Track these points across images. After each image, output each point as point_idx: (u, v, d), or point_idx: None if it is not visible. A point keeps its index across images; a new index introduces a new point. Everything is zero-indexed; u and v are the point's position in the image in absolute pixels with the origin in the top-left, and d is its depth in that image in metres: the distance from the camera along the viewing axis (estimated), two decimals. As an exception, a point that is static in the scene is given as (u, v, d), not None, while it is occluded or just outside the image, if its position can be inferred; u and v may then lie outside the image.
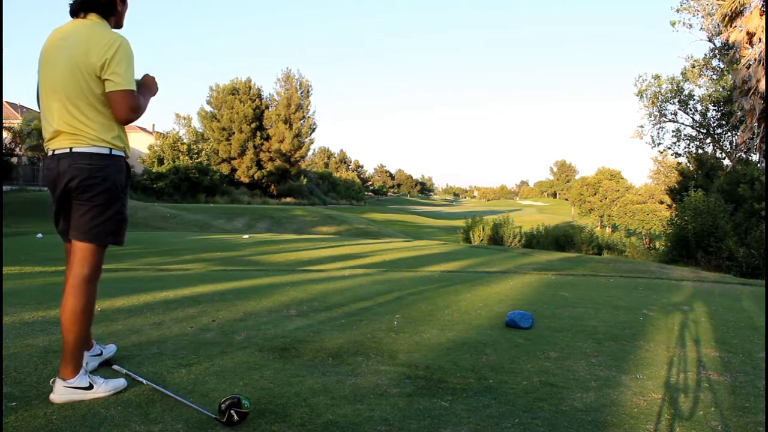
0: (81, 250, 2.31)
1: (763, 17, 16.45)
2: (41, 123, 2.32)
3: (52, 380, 2.23)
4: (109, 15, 2.31)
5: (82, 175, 2.20)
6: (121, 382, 2.32)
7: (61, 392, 2.18)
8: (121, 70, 2.17)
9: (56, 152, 2.24)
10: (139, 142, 53.16)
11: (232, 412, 1.95)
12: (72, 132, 2.21)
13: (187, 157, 43.51)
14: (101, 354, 2.64)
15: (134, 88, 2.22)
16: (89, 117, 2.21)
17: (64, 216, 2.33)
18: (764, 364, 2.96)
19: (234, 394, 2.04)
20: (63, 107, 2.21)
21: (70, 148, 2.21)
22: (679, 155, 32.13)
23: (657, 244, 22.77)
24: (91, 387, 2.22)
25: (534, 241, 21.11)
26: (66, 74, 2.19)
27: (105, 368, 2.54)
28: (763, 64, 16.63)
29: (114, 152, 2.27)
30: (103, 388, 2.24)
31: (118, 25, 2.38)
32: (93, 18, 2.26)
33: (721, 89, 27.83)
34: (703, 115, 30.51)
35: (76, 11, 2.28)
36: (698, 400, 2.38)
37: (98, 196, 2.24)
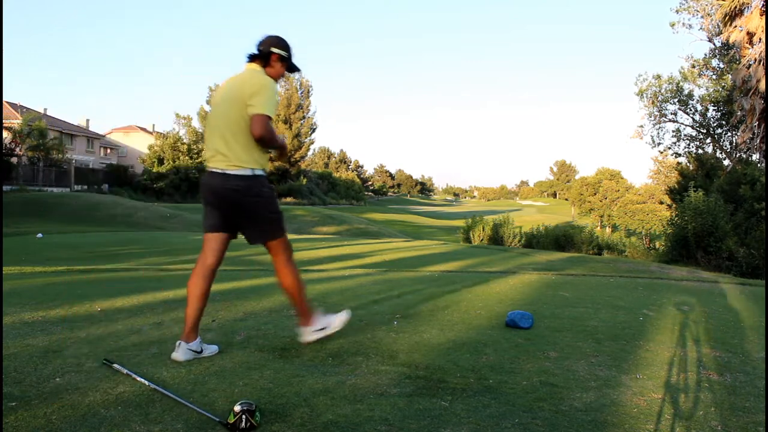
0: (271, 246, 2.96)
1: (763, 17, 16.45)
2: (206, 144, 2.90)
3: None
4: (266, 66, 2.93)
5: (236, 196, 2.78)
6: (343, 315, 3.19)
7: (309, 335, 3.04)
8: (262, 99, 2.73)
9: (214, 171, 2.81)
10: (140, 142, 53.17)
11: (244, 416, 1.91)
12: (225, 153, 2.77)
13: (187, 157, 43.47)
14: (201, 352, 2.88)
15: (271, 114, 2.75)
16: (239, 142, 2.77)
17: (224, 219, 2.88)
18: (764, 364, 2.96)
19: (252, 402, 2.00)
20: (223, 133, 2.80)
21: (224, 170, 2.78)
22: (679, 155, 32.14)
23: (657, 244, 22.75)
24: (326, 327, 3.09)
25: (534, 241, 21.09)
26: (227, 106, 2.81)
27: (106, 368, 2.54)
28: (763, 64, 16.63)
29: (256, 172, 2.81)
30: (337, 325, 3.12)
31: (273, 78, 2.93)
32: (254, 66, 2.91)
33: (721, 89, 27.83)
34: (703, 115, 30.51)
35: (248, 60, 2.95)
36: (698, 400, 2.38)
37: (255, 207, 2.83)
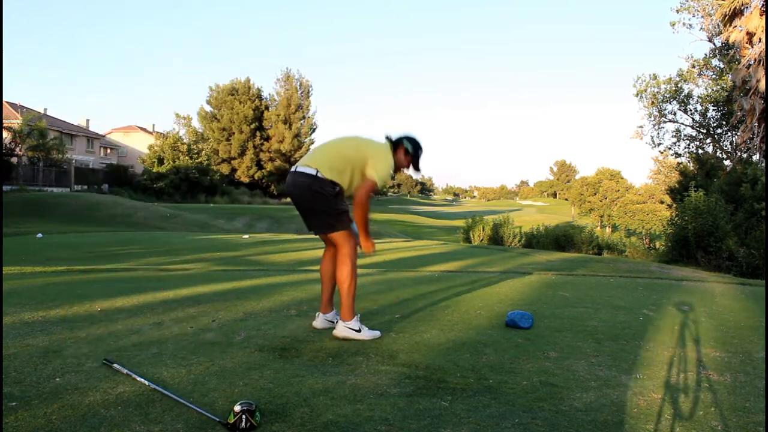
0: (333, 238, 3.29)
1: (763, 17, 16.46)
2: (312, 154, 3.35)
3: (336, 320, 3.32)
4: (394, 152, 3.37)
5: (299, 190, 3.24)
6: (377, 333, 3.26)
7: (341, 329, 3.19)
8: (380, 171, 3.21)
9: (291, 170, 3.29)
10: (140, 142, 53.18)
11: (244, 416, 1.91)
12: (310, 160, 3.25)
13: (187, 157, 43.48)
14: (336, 322, 3.33)
15: (378, 184, 3.20)
16: (326, 163, 3.21)
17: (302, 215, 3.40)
18: (764, 364, 2.96)
19: (252, 402, 2.00)
20: (324, 153, 3.30)
21: (296, 169, 3.26)
22: (680, 155, 32.14)
23: (657, 244, 22.74)
24: (359, 331, 3.19)
25: (534, 241, 21.07)
26: (345, 145, 3.34)
27: (106, 368, 2.54)
28: (763, 64, 16.63)
29: (319, 174, 3.17)
30: (368, 336, 3.20)
31: (397, 166, 3.40)
32: (388, 145, 3.36)
33: (720, 89, 27.83)
34: (703, 115, 30.51)
35: (385, 138, 3.41)
36: (698, 400, 2.38)
37: (314, 202, 3.23)
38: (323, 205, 3.21)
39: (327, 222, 3.25)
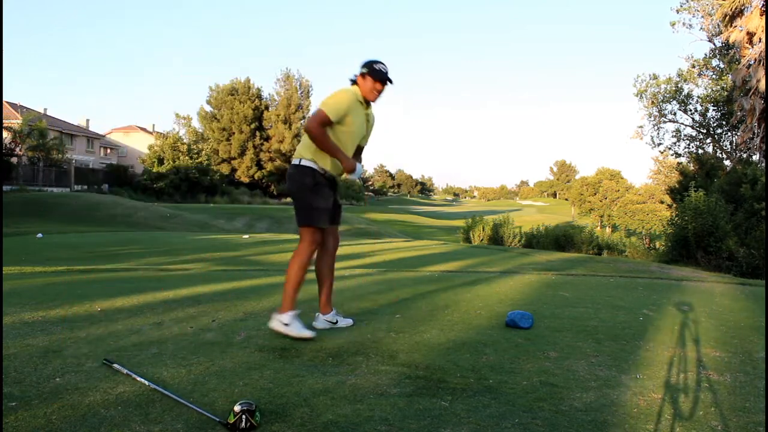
0: (299, 230, 3.29)
1: (763, 17, 16.46)
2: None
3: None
4: (356, 86, 3.29)
5: (288, 181, 3.33)
6: (308, 333, 3.13)
7: (273, 322, 3.18)
8: (326, 99, 3.17)
9: (291, 161, 3.35)
10: (140, 142, 53.18)
11: (244, 416, 1.91)
12: (298, 153, 3.31)
13: (187, 157, 43.49)
14: (336, 323, 3.45)
15: (327, 111, 3.10)
16: (304, 140, 3.26)
17: None
18: (764, 364, 2.96)
19: (252, 402, 2.00)
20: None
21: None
22: (680, 155, 32.15)
23: (657, 244, 22.74)
24: (288, 325, 3.12)
25: (534, 241, 21.06)
26: None
27: (106, 368, 2.54)
28: (763, 64, 16.64)
29: (302, 162, 3.23)
30: (295, 333, 3.10)
31: (366, 97, 3.28)
32: (350, 86, 3.30)
33: (720, 89, 27.84)
34: (703, 115, 30.51)
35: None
36: (698, 400, 2.38)
37: (293, 192, 3.31)
38: (301, 197, 3.26)
39: (299, 212, 3.27)
